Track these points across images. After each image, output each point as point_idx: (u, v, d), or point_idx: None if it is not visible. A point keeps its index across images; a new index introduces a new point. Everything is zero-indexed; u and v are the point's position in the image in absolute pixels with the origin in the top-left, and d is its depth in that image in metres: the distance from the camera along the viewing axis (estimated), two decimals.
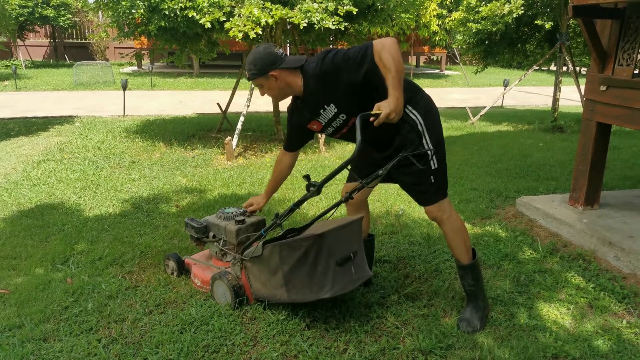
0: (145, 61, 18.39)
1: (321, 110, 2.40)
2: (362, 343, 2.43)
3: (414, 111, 2.37)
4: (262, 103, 10.51)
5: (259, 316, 2.62)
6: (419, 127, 2.37)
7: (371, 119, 2.12)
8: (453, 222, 2.51)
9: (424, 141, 2.38)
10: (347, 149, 6.86)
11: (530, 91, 15.67)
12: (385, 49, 2.12)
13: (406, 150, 2.37)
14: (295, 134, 2.69)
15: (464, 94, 14.64)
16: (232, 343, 2.42)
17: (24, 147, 6.75)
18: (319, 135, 6.81)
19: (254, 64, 2.38)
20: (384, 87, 2.18)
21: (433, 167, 2.43)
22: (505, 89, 10.34)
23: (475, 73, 10.61)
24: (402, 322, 2.61)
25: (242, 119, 6.66)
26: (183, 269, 3.09)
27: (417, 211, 4.26)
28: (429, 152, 2.40)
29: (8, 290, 2.93)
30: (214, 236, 2.92)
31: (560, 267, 3.27)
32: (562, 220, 3.80)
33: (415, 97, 2.40)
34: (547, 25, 8.65)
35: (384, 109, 2.08)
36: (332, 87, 2.30)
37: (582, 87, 7.17)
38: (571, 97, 12.29)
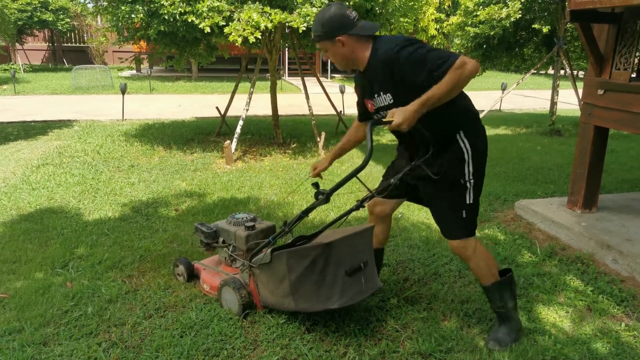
0: (144, 65, 18.41)
1: (376, 95, 2.25)
2: (362, 346, 2.44)
3: (465, 140, 2.25)
4: (261, 107, 10.53)
5: (259, 320, 2.62)
6: (465, 156, 2.25)
7: (385, 127, 2.08)
8: (477, 258, 2.38)
9: (465, 172, 2.26)
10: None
11: (528, 95, 15.71)
12: (460, 70, 1.98)
13: (445, 177, 2.25)
14: (360, 104, 2.50)
15: None
16: (232, 347, 2.42)
17: (23, 151, 6.75)
18: (318, 139, 6.82)
19: (321, 24, 2.18)
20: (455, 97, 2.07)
21: (468, 202, 2.30)
22: (503, 93, 10.37)
23: (474, 77, 10.64)
24: (401, 326, 2.62)
25: (241, 122, 6.67)
26: (192, 274, 3.09)
27: (416, 215, 4.27)
28: (465, 182, 2.26)
29: (8, 294, 2.93)
30: (223, 241, 2.91)
31: (559, 270, 3.28)
32: (560, 223, 3.81)
33: (472, 126, 2.29)
34: (545, 29, 8.69)
35: (396, 117, 2.00)
36: (397, 79, 2.12)
37: (580, 91, 7.20)
38: (569, 101, 12.34)
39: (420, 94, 2.04)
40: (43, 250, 3.55)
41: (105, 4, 6.26)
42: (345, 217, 2.48)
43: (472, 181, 2.27)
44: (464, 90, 2.21)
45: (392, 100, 2.20)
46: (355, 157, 6.60)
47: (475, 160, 2.27)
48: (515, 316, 2.49)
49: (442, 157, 2.26)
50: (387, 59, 2.11)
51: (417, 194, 2.52)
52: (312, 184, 2.41)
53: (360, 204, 2.39)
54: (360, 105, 2.50)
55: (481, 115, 9.56)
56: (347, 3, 5.68)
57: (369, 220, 2.79)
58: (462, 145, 2.25)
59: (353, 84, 2.52)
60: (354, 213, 2.46)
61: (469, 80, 2.03)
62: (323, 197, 2.34)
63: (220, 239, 2.92)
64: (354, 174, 2.19)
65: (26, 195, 4.79)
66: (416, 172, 2.33)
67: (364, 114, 2.52)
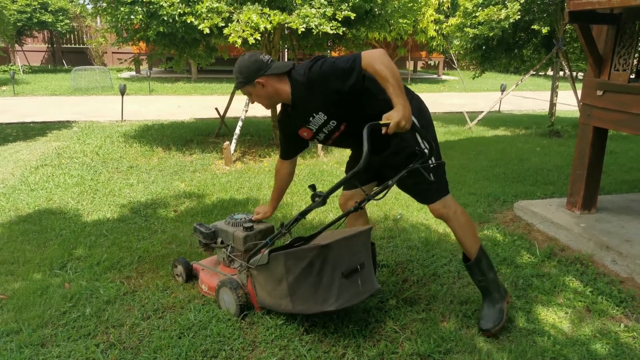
0: (144, 66, 18.41)
1: (310, 118, 2.41)
2: (361, 347, 2.43)
3: None
4: (260, 108, 10.50)
5: (258, 321, 2.62)
6: (415, 126, 2.35)
7: (383, 130, 2.10)
8: (460, 217, 2.51)
9: (419, 140, 2.39)
10: (345, 153, 6.86)
11: (527, 96, 15.73)
12: (376, 59, 2.13)
13: (403, 151, 2.37)
14: (288, 141, 2.69)
15: (461, 98, 14.69)
16: (231, 348, 2.42)
17: (21, 152, 6.74)
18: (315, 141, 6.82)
19: (240, 72, 2.40)
20: (374, 91, 2.19)
21: (431, 164, 2.42)
22: (502, 94, 10.38)
23: (473, 78, 10.65)
24: (400, 327, 2.61)
25: (240, 123, 6.67)
26: (191, 274, 3.08)
27: (415, 215, 4.27)
28: (421, 149, 2.38)
29: (6, 295, 2.92)
30: (222, 242, 2.91)
31: (558, 271, 3.28)
32: (559, 224, 3.81)
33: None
34: (544, 30, 8.70)
35: (393, 118, 2.07)
36: (320, 96, 2.30)
37: (579, 92, 7.20)
38: (568, 102, 12.35)
39: (350, 99, 2.25)
40: (41, 251, 3.55)
41: (105, 5, 6.25)
42: (343, 219, 2.48)
43: (427, 146, 2.39)
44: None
45: (325, 117, 2.37)
46: (344, 156, 6.59)
47: (422, 126, 2.39)
48: (495, 285, 2.59)
49: (395, 136, 2.33)
50: (304, 81, 2.31)
51: (383, 176, 2.62)
52: (309, 186, 2.41)
53: (358, 206, 2.40)
54: (290, 141, 2.66)
55: (480, 117, 9.58)
56: (347, 4, 5.68)
57: (348, 219, 2.84)
58: None
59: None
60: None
61: (386, 56, 2.16)
62: (320, 199, 2.34)
63: (219, 240, 2.92)
64: (351, 176, 2.20)
65: (25, 196, 4.78)
66: (375, 158, 2.40)
67: (292, 150, 2.73)
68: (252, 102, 2.54)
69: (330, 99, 2.29)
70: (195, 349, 2.39)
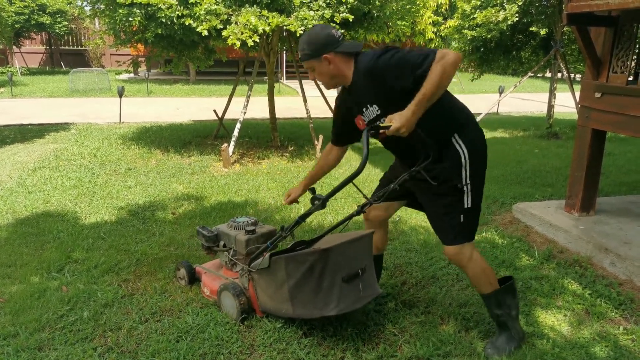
0: (142, 68, 18.40)
1: (364, 109, 2.27)
2: (360, 351, 2.42)
3: (461, 143, 2.23)
4: (259, 110, 10.52)
5: (256, 324, 2.61)
6: (462, 159, 2.22)
7: (381, 132, 2.05)
8: (475, 266, 2.33)
9: (463, 175, 2.23)
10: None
11: (525, 98, 15.75)
12: (443, 61, 1.98)
13: (444, 183, 2.24)
14: (342, 126, 2.52)
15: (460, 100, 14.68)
16: (229, 351, 2.41)
17: (19, 154, 6.72)
18: (315, 142, 6.82)
19: (308, 43, 2.22)
20: (439, 99, 2.07)
21: (465, 206, 2.25)
22: (500, 96, 10.39)
23: (472, 80, 10.66)
24: (399, 330, 2.61)
25: (238, 125, 6.66)
26: (194, 277, 3.07)
27: (414, 218, 4.26)
28: (462, 186, 2.23)
29: (3, 298, 2.91)
30: (224, 245, 2.89)
31: (557, 273, 3.28)
32: (558, 226, 3.81)
33: (466, 128, 2.27)
34: (542, 32, 8.71)
35: (395, 122, 2.00)
36: (380, 88, 2.15)
37: (577, 94, 7.21)
38: (566, 104, 12.36)
39: (406, 99, 2.04)
40: (39, 254, 3.53)
41: (103, 7, 6.24)
42: (346, 223, 2.46)
43: (469, 185, 2.24)
44: (453, 94, 2.24)
45: (379, 112, 2.23)
46: (352, 161, 6.60)
47: (472, 163, 2.24)
48: (516, 325, 2.45)
49: (439, 162, 2.24)
50: (367, 69, 2.16)
51: (414, 198, 2.50)
52: (309, 189, 2.40)
53: (360, 210, 2.38)
54: (344, 126, 2.50)
55: (478, 119, 9.56)
56: (345, 7, 5.68)
57: (366, 226, 2.77)
58: (458, 147, 2.22)
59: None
60: (355, 218, 2.45)
61: (455, 69, 2.01)
62: (319, 202, 2.33)
63: (221, 243, 2.90)
64: (350, 179, 2.17)
65: (22, 198, 4.76)
66: (414, 178, 2.31)
67: (344, 137, 2.56)
68: (312, 79, 2.37)
69: (390, 93, 2.12)
70: (193, 353, 2.38)
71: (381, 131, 2.06)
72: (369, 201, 2.39)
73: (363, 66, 2.19)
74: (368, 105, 2.23)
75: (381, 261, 2.95)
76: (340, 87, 2.40)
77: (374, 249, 2.68)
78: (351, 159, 6.64)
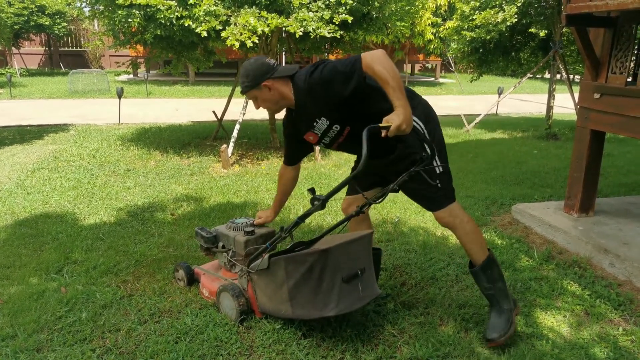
0: (141, 69, 18.40)
1: (314, 123, 2.38)
2: (359, 352, 2.42)
3: (414, 117, 2.30)
4: (258, 111, 10.48)
5: (255, 325, 2.60)
6: (421, 131, 2.34)
7: (383, 133, 2.07)
8: (466, 226, 2.44)
9: (425, 145, 2.33)
10: (342, 156, 6.86)
11: (524, 99, 15.77)
12: (375, 61, 2.09)
13: (408, 157, 2.33)
14: (293, 146, 2.66)
15: (458, 101, 14.71)
16: (228, 353, 2.40)
17: (18, 155, 6.72)
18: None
19: (246, 75, 2.38)
20: (376, 94, 2.16)
21: (438, 171, 2.38)
22: (499, 97, 10.40)
23: (471, 81, 10.67)
24: (398, 331, 2.60)
25: (237, 126, 6.66)
26: (193, 279, 3.06)
27: (414, 219, 4.26)
28: (436, 167, 2.35)
29: (1, 299, 2.90)
30: (223, 246, 2.88)
31: (556, 274, 3.27)
32: (557, 227, 3.81)
33: (412, 103, 2.34)
34: (542, 33, 8.72)
35: (393, 121, 2.04)
36: (321, 101, 2.28)
37: (576, 95, 7.22)
38: (565, 105, 12.37)
39: (349, 104, 2.22)
40: (37, 255, 3.53)
41: (102, 8, 6.24)
42: (345, 223, 2.47)
43: (435, 149, 2.34)
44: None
45: (328, 122, 2.34)
46: (352, 161, 6.58)
47: (430, 132, 2.37)
48: (502, 297, 2.49)
49: (401, 141, 2.32)
50: (305, 87, 2.30)
51: (386, 179, 2.57)
52: (308, 190, 2.40)
53: (360, 210, 2.39)
54: (297, 145, 2.63)
55: (477, 120, 9.58)
56: (344, 8, 5.69)
57: (350, 225, 2.79)
58: (414, 123, 2.28)
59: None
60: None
61: (387, 57, 2.11)
62: (319, 203, 2.32)
63: (220, 244, 2.90)
64: (350, 179, 2.18)
65: (21, 199, 4.76)
66: (380, 162, 2.39)
67: (297, 155, 2.71)
68: (257, 108, 2.50)
69: (332, 104, 2.26)
70: (192, 354, 2.37)
71: (383, 132, 2.06)
72: (369, 202, 2.39)
73: (301, 85, 2.32)
74: (317, 120, 2.35)
75: (378, 260, 2.94)
76: (286, 111, 2.53)
77: None
78: (350, 160, 6.64)
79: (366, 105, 2.29)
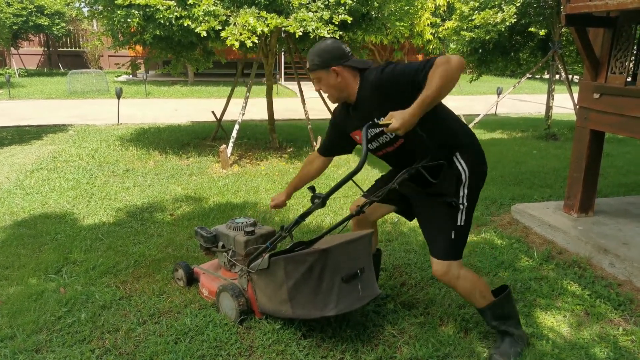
0: (141, 70, 18.38)
1: (371, 129, 2.26)
2: (359, 352, 2.42)
3: (462, 162, 2.23)
4: (257, 111, 10.51)
5: (255, 325, 2.60)
6: (462, 178, 2.23)
7: (382, 128, 2.07)
8: (465, 284, 2.31)
9: (460, 194, 2.23)
10: (341, 157, 6.85)
11: (523, 99, 15.78)
12: (446, 65, 1.96)
13: (440, 196, 2.24)
14: (335, 138, 2.55)
15: (458, 101, 14.71)
16: (228, 353, 2.40)
17: (17, 155, 6.71)
18: (314, 143, 6.81)
19: (318, 55, 2.25)
20: (440, 113, 2.10)
21: (458, 223, 2.25)
22: (498, 97, 10.40)
23: (470, 82, 10.67)
24: (398, 331, 2.60)
25: (237, 127, 6.65)
26: (192, 278, 3.05)
27: (413, 219, 4.25)
28: (457, 204, 2.24)
29: (0, 300, 2.89)
30: (223, 246, 2.88)
31: (556, 274, 3.27)
32: (557, 227, 3.80)
33: (468, 147, 2.27)
34: (541, 33, 8.72)
35: (394, 122, 2.00)
36: (386, 101, 2.15)
37: (575, 95, 7.22)
38: (564, 105, 12.37)
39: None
40: (36, 255, 3.52)
41: (101, 8, 6.24)
42: (345, 223, 2.46)
43: (465, 204, 2.25)
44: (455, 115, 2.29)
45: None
46: (351, 162, 6.59)
47: (471, 184, 2.25)
48: (516, 331, 2.42)
49: (441, 172, 2.24)
50: (374, 83, 2.19)
51: (407, 205, 2.52)
52: (309, 188, 2.39)
53: (360, 210, 2.38)
54: (339, 140, 2.54)
55: (477, 120, 9.58)
56: (343, 8, 5.68)
57: (353, 224, 2.74)
58: (459, 166, 2.23)
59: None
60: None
61: (459, 73, 1.99)
62: (319, 201, 2.32)
63: (220, 244, 2.89)
64: (350, 177, 2.17)
65: (20, 200, 4.75)
66: (412, 185, 2.31)
67: (335, 149, 2.62)
68: (317, 90, 2.36)
69: (395, 104, 2.09)
70: (191, 354, 2.36)
71: (383, 128, 2.07)
72: (370, 200, 2.38)
73: (370, 81, 2.21)
74: (375, 119, 2.23)
75: (378, 261, 2.93)
76: (341, 104, 2.43)
77: None
78: (350, 160, 6.63)
79: (429, 121, 2.12)
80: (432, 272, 2.34)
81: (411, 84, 2.06)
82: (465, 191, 2.24)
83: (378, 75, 2.17)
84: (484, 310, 2.39)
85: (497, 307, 2.38)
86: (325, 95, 2.48)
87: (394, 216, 4.33)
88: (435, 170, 2.23)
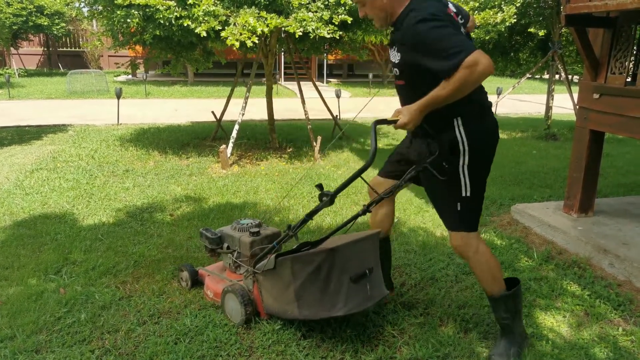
0: (140, 70, 18.38)
1: (394, 49, 2.20)
2: (359, 352, 2.42)
3: (462, 129, 2.17)
4: (257, 111, 10.51)
5: (255, 326, 2.60)
6: (460, 146, 2.17)
7: (391, 125, 2.09)
8: (480, 259, 2.27)
9: (460, 161, 2.18)
10: (341, 157, 6.86)
11: (523, 99, 15.79)
12: (473, 68, 1.89)
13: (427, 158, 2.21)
14: None
15: None
16: (227, 354, 2.40)
17: (17, 155, 6.70)
18: (314, 143, 6.81)
19: None
20: (434, 81, 2.01)
21: (464, 194, 2.21)
22: (498, 97, 10.41)
23: (485, 78, 10.67)
24: (398, 331, 2.60)
25: (236, 127, 6.65)
26: (197, 280, 3.04)
27: (413, 219, 4.26)
28: (460, 174, 2.20)
29: (0, 300, 2.89)
30: (228, 247, 2.87)
31: (556, 274, 3.27)
32: (557, 227, 3.81)
33: (475, 116, 2.19)
34: (541, 34, 8.72)
35: (402, 117, 2.01)
36: (409, 46, 2.08)
37: (575, 95, 7.22)
38: (564, 105, 12.38)
39: (419, 74, 2.06)
40: (36, 256, 3.52)
41: (101, 8, 6.23)
42: (352, 222, 2.43)
43: (466, 173, 2.19)
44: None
45: (398, 60, 2.17)
46: (351, 162, 6.59)
47: (472, 154, 2.18)
48: (519, 326, 2.41)
49: (437, 141, 2.20)
50: (408, 25, 2.06)
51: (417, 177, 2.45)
52: (316, 186, 2.35)
53: (367, 209, 2.35)
54: None
55: None
56: (343, 8, 5.68)
57: (375, 208, 2.62)
58: (457, 134, 2.17)
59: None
60: (360, 218, 2.43)
61: (480, 81, 1.95)
62: (327, 198, 2.29)
63: (225, 245, 2.88)
64: (358, 174, 2.16)
65: (19, 200, 4.75)
66: (417, 152, 2.29)
67: None
68: (362, 15, 2.26)
69: (412, 56, 2.06)
70: (191, 355, 2.36)
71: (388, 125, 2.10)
72: (380, 196, 2.37)
73: (409, 17, 2.07)
74: (395, 48, 2.17)
75: (389, 247, 2.83)
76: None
77: (381, 228, 2.65)
78: (349, 160, 6.63)
79: (429, 82, 2.05)
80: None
81: (435, 54, 1.96)
82: (466, 160, 2.18)
83: (416, 21, 2.02)
84: (497, 300, 2.33)
85: (511, 298, 2.33)
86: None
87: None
88: (435, 128, 2.19)
